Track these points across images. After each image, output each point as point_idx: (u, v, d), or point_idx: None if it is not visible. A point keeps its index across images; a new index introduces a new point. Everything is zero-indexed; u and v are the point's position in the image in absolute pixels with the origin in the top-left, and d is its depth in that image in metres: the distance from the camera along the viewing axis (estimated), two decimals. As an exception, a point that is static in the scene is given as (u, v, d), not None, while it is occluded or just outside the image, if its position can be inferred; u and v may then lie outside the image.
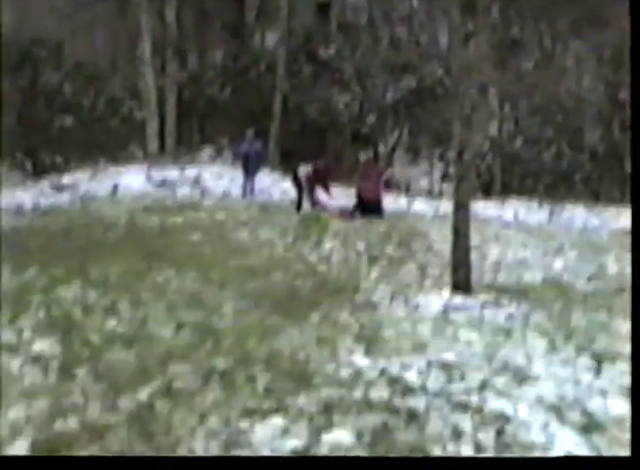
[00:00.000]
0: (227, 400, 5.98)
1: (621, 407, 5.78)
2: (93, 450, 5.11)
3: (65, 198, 20.91)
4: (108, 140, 29.23)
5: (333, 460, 4.98)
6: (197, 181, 23.54)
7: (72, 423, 5.53)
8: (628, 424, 5.51)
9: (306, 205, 18.82)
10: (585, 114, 26.22)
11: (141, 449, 5.14)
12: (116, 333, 7.93)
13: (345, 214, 17.78)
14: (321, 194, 19.14)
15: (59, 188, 22.20)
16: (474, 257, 10.51)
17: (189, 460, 5.02)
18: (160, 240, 14.34)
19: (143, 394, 6.13)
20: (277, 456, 5.04)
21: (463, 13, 10.58)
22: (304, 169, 19.08)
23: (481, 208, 19.82)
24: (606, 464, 4.85)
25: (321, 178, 19.10)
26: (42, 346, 7.25)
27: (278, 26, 30.15)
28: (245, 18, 34.08)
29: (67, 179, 23.16)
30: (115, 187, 22.71)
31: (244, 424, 5.51)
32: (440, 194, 25.46)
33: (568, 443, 5.19)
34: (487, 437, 5.27)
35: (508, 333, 7.93)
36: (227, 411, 5.73)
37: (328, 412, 5.71)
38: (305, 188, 18.99)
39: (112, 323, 8.29)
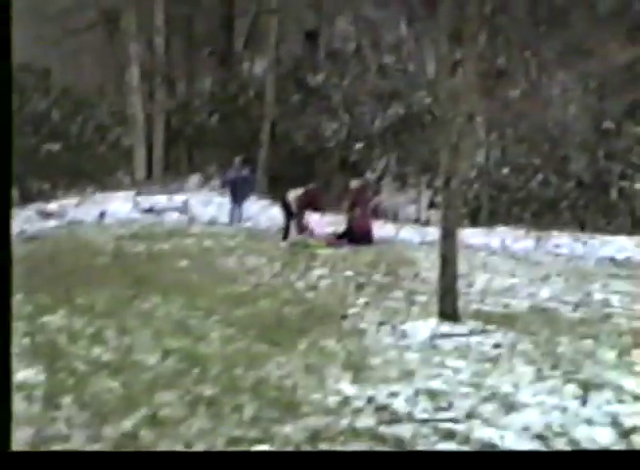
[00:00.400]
0: (213, 429, 5.94)
1: (607, 436, 5.78)
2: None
3: (51, 224, 20.87)
4: (95, 167, 29.26)
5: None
6: (184, 208, 23.55)
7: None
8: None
9: (294, 233, 18.74)
10: (571, 142, 26.33)
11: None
12: (102, 361, 7.89)
13: (333, 240, 17.77)
14: (311, 218, 19.04)
15: (45, 215, 22.16)
16: (461, 284, 10.51)
17: None
18: (147, 267, 14.32)
19: (128, 423, 6.09)
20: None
21: (450, 42, 10.66)
22: (294, 194, 18.98)
23: (469, 235, 19.85)
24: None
25: (311, 202, 18.93)
26: (26, 374, 7.20)
27: (266, 54, 30.31)
28: (233, 45, 34.25)
29: (53, 206, 23.14)
30: (103, 213, 22.72)
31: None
32: (428, 222, 25.49)
33: (554, 471, 5.17)
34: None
35: (495, 361, 7.92)
36: (213, 440, 5.70)
37: (314, 441, 5.69)
38: (294, 213, 18.87)
39: (97, 351, 8.25)
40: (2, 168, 3.25)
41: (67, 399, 6.60)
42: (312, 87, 29.30)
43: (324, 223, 19.45)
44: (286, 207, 19.00)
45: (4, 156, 3.29)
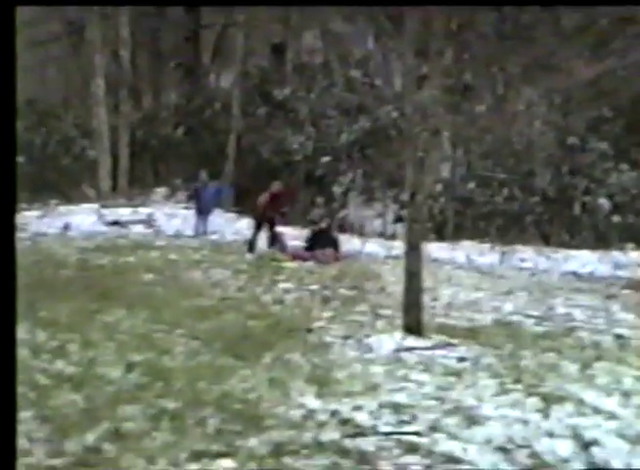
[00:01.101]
0: (176, 443, 5.90)
1: (568, 448, 5.83)
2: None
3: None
4: (59, 179, 29.06)
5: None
6: (149, 221, 23.46)
7: (17, 468, 5.42)
8: (574, 465, 5.57)
9: (262, 245, 18.67)
10: (536, 157, 26.55)
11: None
12: (65, 374, 7.82)
13: (301, 254, 17.71)
14: (282, 233, 18.92)
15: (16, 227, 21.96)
16: (426, 298, 10.56)
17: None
18: (112, 279, 14.22)
19: (90, 436, 6.03)
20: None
21: (416, 56, 10.72)
22: (263, 197, 18.84)
23: (434, 249, 19.97)
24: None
25: (277, 204, 18.76)
26: (-13, 387, 7.11)
27: (233, 67, 30.40)
28: (200, 58, 34.26)
29: (16, 218, 22.96)
30: (67, 226, 22.56)
31: (193, 467, 5.45)
32: (394, 236, 25.58)
33: (516, 484, 5.21)
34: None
35: (459, 374, 7.96)
36: (176, 454, 5.66)
37: (278, 454, 5.67)
38: (263, 218, 18.59)
39: (60, 364, 8.17)
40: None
41: (28, 413, 6.53)
42: (279, 101, 29.36)
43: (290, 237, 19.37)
44: (255, 217, 18.88)
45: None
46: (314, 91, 29.55)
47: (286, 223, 19.75)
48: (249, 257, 17.66)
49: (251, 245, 18.49)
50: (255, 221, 18.80)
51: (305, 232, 19.55)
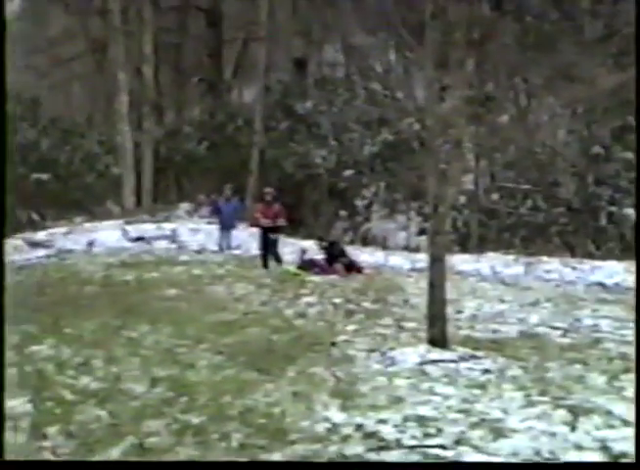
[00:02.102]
0: (200, 457, 5.90)
1: (597, 460, 5.76)
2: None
3: (40, 253, 20.81)
4: (84, 196, 29.26)
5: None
6: (173, 236, 23.54)
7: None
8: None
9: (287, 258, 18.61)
10: (560, 167, 26.43)
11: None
12: (90, 390, 7.84)
13: (324, 267, 17.65)
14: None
15: (34, 244, 22.11)
16: (450, 310, 10.49)
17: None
18: (136, 295, 14.29)
19: (115, 452, 6.05)
20: None
21: (438, 68, 10.71)
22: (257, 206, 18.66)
23: (459, 261, 19.89)
24: None
25: (271, 211, 18.10)
26: (13, 404, 7.14)
27: (255, 82, 30.51)
28: (222, 73, 34.42)
29: (42, 235, 23.09)
30: (91, 242, 22.70)
31: (217, 482, 5.44)
32: (418, 248, 25.51)
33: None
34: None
35: (484, 387, 7.89)
36: (200, 469, 5.66)
37: (302, 469, 5.65)
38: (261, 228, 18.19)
39: (85, 380, 8.20)
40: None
41: (53, 429, 6.55)
42: (301, 114, 29.43)
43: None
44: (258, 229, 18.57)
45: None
46: (336, 104, 29.60)
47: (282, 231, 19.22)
48: (263, 272, 17.53)
49: (264, 260, 18.20)
50: (259, 234, 18.45)
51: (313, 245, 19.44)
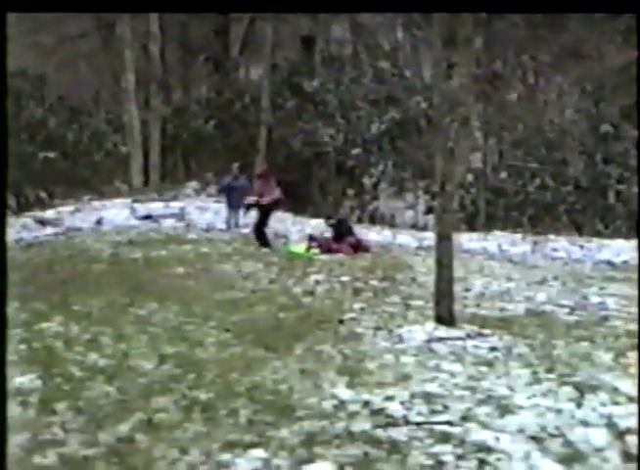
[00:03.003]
0: (208, 433, 5.94)
1: (602, 437, 5.78)
2: (72, 485, 5.08)
3: (48, 232, 20.86)
4: (92, 174, 29.28)
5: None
6: (181, 215, 23.58)
7: (51, 457, 5.49)
8: (608, 454, 5.52)
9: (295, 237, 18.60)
10: (568, 146, 26.38)
11: (120, 483, 5.11)
12: (98, 367, 7.89)
13: (332, 246, 17.65)
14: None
15: (42, 222, 22.16)
16: (457, 288, 10.51)
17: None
18: (144, 273, 14.33)
19: (124, 427, 6.09)
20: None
21: (445, 46, 10.67)
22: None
23: (466, 240, 19.91)
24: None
25: (268, 187, 17.76)
26: (22, 380, 7.20)
27: (262, 60, 30.39)
28: (229, 51, 34.31)
29: (50, 214, 23.14)
30: (100, 221, 22.75)
31: (225, 457, 5.48)
32: (425, 227, 25.54)
33: (549, 473, 5.19)
34: (469, 467, 5.25)
35: (491, 364, 7.92)
36: (208, 444, 5.70)
37: (310, 444, 5.68)
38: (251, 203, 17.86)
39: (93, 357, 8.24)
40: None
41: (62, 405, 6.60)
42: (308, 93, 29.36)
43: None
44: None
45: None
46: (343, 83, 29.52)
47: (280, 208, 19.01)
48: (265, 250, 17.48)
49: (259, 238, 17.80)
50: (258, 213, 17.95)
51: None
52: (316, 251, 17.35)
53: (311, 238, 18.09)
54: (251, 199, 17.72)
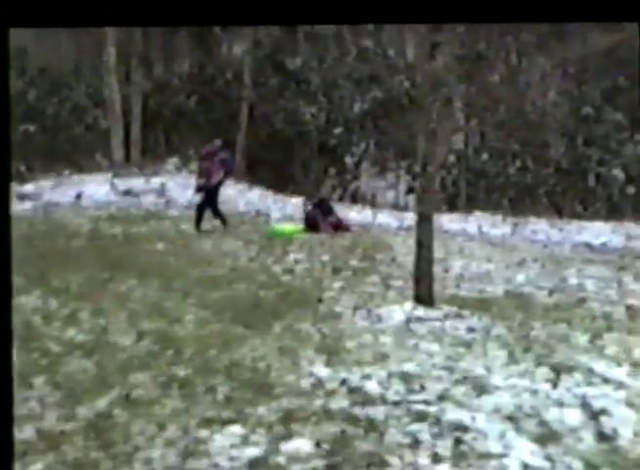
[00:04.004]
0: (186, 410, 5.96)
1: (576, 417, 5.84)
2: (49, 459, 5.08)
3: (27, 206, 20.75)
4: (72, 148, 29.07)
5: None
6: (162, 191, 23.49)
7: (28, 432, 5.48)
8: (582, 434, 5.57)
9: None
10: (550, 128, 26.44)
11: (97, 457, 5.12)
12: (76, 342, 7.89)
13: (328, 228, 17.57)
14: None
15: (21, 196, 22.00)
16: (437, 269, 10.56)
17: None
18: (124, 249, 14.31)
19: (102, 402, 6.10)
20: None
21: (429, 25, 10.65)
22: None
23: (446, 221, 19.97)
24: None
25: (214, 165, 16.84)
26: (-1, 354, 7.17)
27: (245, 36, 30.18)
28: (212, 27, 34.06)
29: (29, 188, 23.00)
30: (79, 195, 22.63)
31: (203, 433, 5.50)
32: (406, 207, 25.57)
33: (523, 452, 5.23)
34: (445, 446, 5.30)
35: (468, 345, 7.97)
36: (186, 420, 5.72)
37: (287, 421, 5.71)
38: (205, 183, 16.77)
39: (72, 332, 8.24)
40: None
41: (40, 379, 6.60)
42: (291, 70, 29.23)
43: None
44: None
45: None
46: (326, 61, 29.41)
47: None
48: (264, 226, 17.34)
49: (197, 218, 16.86)
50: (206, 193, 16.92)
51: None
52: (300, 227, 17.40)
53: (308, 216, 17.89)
54: (200, 181, 16.86)
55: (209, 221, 17.05)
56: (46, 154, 28.10)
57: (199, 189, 16.99)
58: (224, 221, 16.93)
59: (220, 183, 17.04)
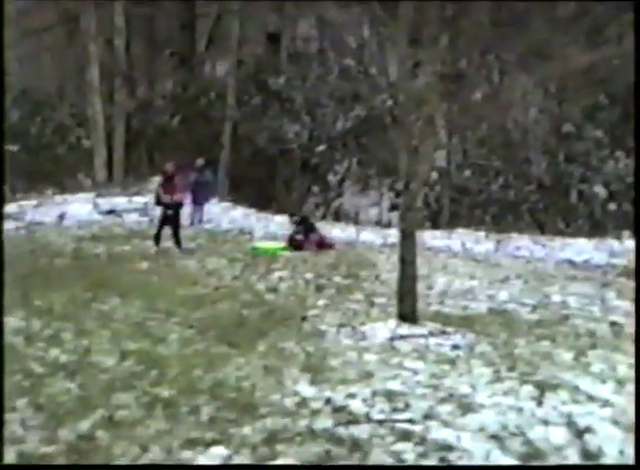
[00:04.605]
0: (170, 430, 5.92)
1: (562, 436, 5.83)
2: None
3: (10, 226, 20.62)
4: (55, 168, 28.99)
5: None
6: (145, 210, 23.41)
7: (10, 455, 5.43)
8: (568, 452, 5.57)
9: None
10: (531, 145, 26.53)
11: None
12: (59, 363, 7.83)
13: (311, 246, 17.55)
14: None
15: (4, 216, 21.87)
16: (420, 286, 10.56)
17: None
18: (107, 268, 14.25)
19: (84, 424, 6.05)
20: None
21: (411, 44, 10.70)
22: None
23: (430, 238, 19.97)
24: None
25: (172, 186, 16.70)
26: (-18, 376, 7.12)
27: (228, 55, 30.23)
28: (195, 46, 34.12)
29: (12, 207, 22.88)
30: (62, 215, 22.54)
31: (186, 454, 5.47)
32: (389, 224, 25.56)
33: (509, 471, 5.22)
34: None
35: (453, 362, 7.96)
36: (169, 441, 5.68)
37: (272, 442, 5.68)
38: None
39: (55, 353, 8.18)
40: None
41: (22, 401, 6.54)
42: (274, 89, 29.28)
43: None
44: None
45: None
46: (309, 80, 29.48)
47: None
48: (247, 245, 17.32)
49: (156, 237, 16.64)
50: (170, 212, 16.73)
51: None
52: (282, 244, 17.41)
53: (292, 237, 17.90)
54: (166, 198, 16.62)
55: (191, 240, 17.00)
56: (29, 174, 28.01)
57: (158, 203, 16.91)
58: (158, 242, 16.58)
59: (181, 204, 17.02)
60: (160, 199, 16.78)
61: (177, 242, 16.59)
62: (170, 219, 16.66)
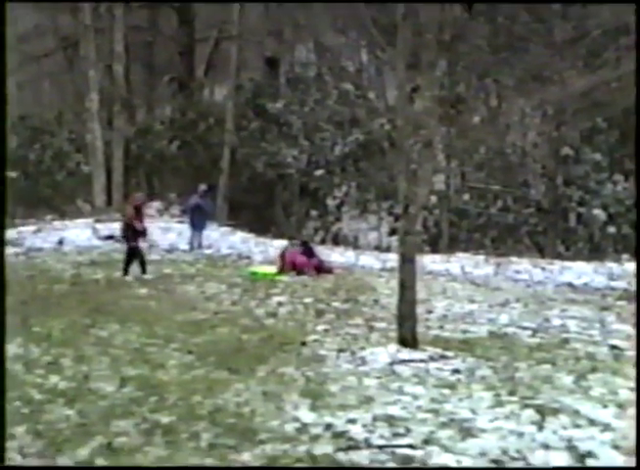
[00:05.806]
0: (169, 457, 5.89)
1: (563, 460, 5.81)
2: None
3: (9, 252, 20.60)
4: (54, 194, 29.05)
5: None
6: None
7: None
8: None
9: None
10: (530, 169, 26.59)
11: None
12: (58, 389, 7.81)
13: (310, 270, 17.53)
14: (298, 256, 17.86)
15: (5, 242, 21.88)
16: (420, 310, 10.55)
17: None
18: (106, 294, 14.23)
19: (83, 451, 6.02)
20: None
21: (409, 68, 10.74)
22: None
23: (429, 262, 19.97)
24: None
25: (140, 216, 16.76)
26: (-19, 403, 7.09)
27: (227, 81, 30.38)
28: (193, 72, 34.28)
29: (11, 233, 22.88)
30: (61, 241, 22.55)
31: (186, 481, 5.44)
32: (389, 248, 25.56)
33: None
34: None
35: (453, 387, 7.94)
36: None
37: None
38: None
39: (53, 379, 8.16)
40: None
41: (21, 429, 6.51)
42: (272, 114, 29.38)
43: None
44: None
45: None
46: (308, 104, 29.58)
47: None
48: (244, 270, 17.38)
49: (126, 266, 16.66)
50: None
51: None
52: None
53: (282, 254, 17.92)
54: (140, 226, 16.66)
55: (190, 265, 16.97)
56: (28, 200, 28.05)
57: (134, 232, 16.74)
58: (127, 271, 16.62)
59: (144, 233, 16.99)
60: (137, 228, 16.65)
61: (145, 268, 16.67)
62: (139, 247, 16.79)
